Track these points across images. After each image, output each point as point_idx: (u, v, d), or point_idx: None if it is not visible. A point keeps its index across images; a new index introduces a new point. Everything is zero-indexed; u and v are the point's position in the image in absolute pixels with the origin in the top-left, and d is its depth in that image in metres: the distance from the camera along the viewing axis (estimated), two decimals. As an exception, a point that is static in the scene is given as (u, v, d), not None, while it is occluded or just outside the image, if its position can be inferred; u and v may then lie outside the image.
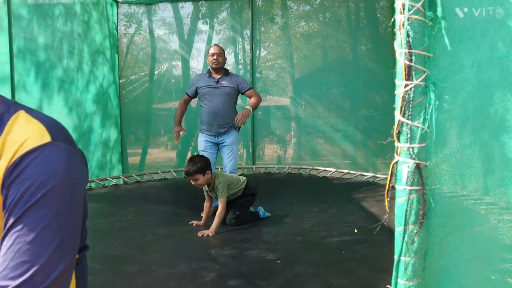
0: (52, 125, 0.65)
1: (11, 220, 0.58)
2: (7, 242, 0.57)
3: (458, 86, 0.56)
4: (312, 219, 2.71)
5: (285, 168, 4.77)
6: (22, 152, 0.59)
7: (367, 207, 2.97)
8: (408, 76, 0.55)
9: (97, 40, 4.53)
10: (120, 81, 5.18)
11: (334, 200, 3.30)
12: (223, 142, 3.26)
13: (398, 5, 0.55)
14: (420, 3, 0.54)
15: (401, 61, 0.55)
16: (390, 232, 2.12)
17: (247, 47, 5.46)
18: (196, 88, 3.25)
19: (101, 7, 4.67)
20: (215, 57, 3.17)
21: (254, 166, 5.07)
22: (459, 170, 0.59)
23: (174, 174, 4.52)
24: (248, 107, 3.24)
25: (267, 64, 5.91)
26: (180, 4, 5.61)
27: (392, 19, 0.57)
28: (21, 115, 0.65)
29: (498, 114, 0.57)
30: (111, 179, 3.95)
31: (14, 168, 0.58)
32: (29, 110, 0.68)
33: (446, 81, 0.56)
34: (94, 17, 4.49)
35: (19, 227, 0.57)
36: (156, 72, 5.56)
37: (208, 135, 3.24)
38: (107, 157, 4.75)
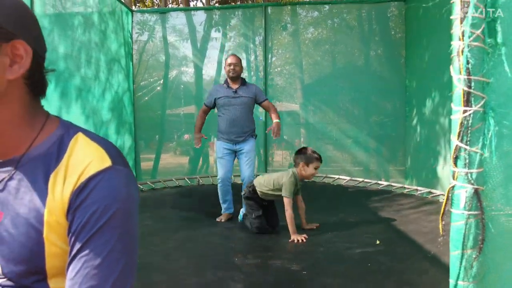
0: (109, 148, 0.67)
1: (78, 245, 0.59)
2: (75, 266, 0.59)
3: (516, 111, 0.56)
4: (332, 229, 2.71)
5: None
6: (86, 177, 0.60)
7: (386, 217, 2.96)
8: (467, 102, 0.55)
9: (112, 48, 4.61)
10: (133, 86, 5.25)
11: (352, 209, 3.30)
12: (241, 150, 3.30)
13: (456, 32, 0.56)
14: (480, 30, 0.55)
15: (460, 87, 0.56)
16: (411, 243, 2.10)
17: (259, 53, 5.49)
18: (215, 98, 3.31)
19: (117, 16, 4.75)
20: (232, 67, 3.26)
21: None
22: (515, 194, 0.59)
23: (188, 181, 4.55)
24: (277, 120, 3.30)
25: (276, 70, 5.93)
26: (192, 12, 5.68)
27: (451, 46, 0.57)
28: (80, 137, 0.67)
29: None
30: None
31: (79, 192, 0.60)
32: (86, 132, 0.69)
33: (505, 107, 0.56)
34: (110, 26, 4.57)
35: (87, 251, 0.58)
36: (169, 78, 5.62)
37: (227, 142, 3.29)
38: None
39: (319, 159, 2.72)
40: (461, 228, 0.56)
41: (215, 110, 3.46)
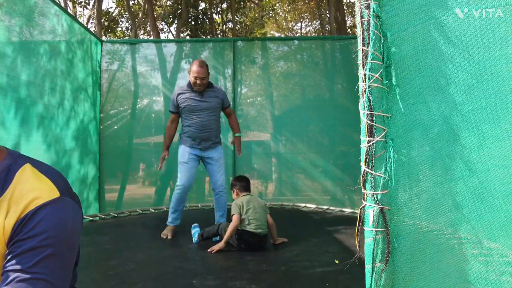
0: (57, 178, 0.70)
1: (22, 267, 0.60)
2: (14, 285, 0.59)
3: (412, 141, 0.67)
4: (295, 249, 2.75)
5: (267, 204, 4.81)
6: (35, 207, 0.62)
7: (347, 239, 3.05)
8: (370, 134, 0.65)
9: (79, 77, 4.59)
10: (101, 115, 5.20)
11: (315, 232, 3.38)
12: (211, 157, 3.13)
13: (360, 75, 0.66)
14: (378, 73, 0.66)
15: (364, 121, 0.65)
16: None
17: (229, 85, 5.65)
18: (179, 102, 3.07)
19: (85, 45, 4.78)
20: (198, 81, 2.97)
21: (234, 202, 5.08)
22: (418, 212, 0.68)
23: (153, 211, 4.46)
24: (238, 134, 3.25)
25: (248, 101, 6.11)
26: (163, 44, 5.82)
27: (356, 85, 0.68)
28: (28, 168, 0.69)
29: (445, 164, 0.67)
30: (87, 217, 3.85)
31: (27, 221, 0.61)
32: (34, 163, 0.72)
33: (402, 137, 0.66)
34: (78, 55, 4.58)
35: (30, 275, 0.60)
36: (137, 107, 5.63)
37: (194, 148, 3.09)
38: (84, 195, 4.64)
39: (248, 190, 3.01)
40: (371, 244, 0.64)
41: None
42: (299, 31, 14.50)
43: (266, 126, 5.91)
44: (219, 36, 8.33)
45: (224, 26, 8.44)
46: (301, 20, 14.14)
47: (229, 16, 7.93)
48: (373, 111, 0.65)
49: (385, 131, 0.66)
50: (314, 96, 5.88)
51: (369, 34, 0.64)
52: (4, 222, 0.62)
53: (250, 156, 5.84)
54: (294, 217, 4.14)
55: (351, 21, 13.17)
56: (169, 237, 3.03)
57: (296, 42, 6.38)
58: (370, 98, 0.65)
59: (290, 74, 6.09)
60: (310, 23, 14.42)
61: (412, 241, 0.68)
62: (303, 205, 4.72)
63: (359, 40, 0.66)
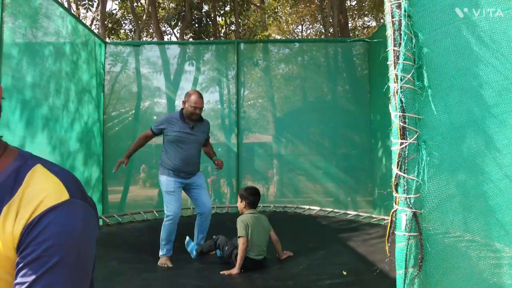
0: (68, 180, 0.65)
1: (27, 281, 0.56)
2: None
3: (444, 143, 0.65)
4: (302, 262, 2.72)
5: (270, 206, 4.79)
6: (41, 211, 0.58)
7: (353, 247, 3.02)
8: (403, 136, 0.63)
9: (84, 79, 4.58)
10: (104, 116, 5.19)
11: (321, 240, 3.34)
12: (194, 183, 3.14)
13: (392, 75, 0.65)
14: (410, 74, 0.64)
15: (396, 123, 0.64)
16: (378, 272, 2.14)
17: (231, 87, 5.64)
18: (167, 130, 3.06)
19: (89, 47, 4.78)
20: (197, 111, 3.01)
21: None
22: (450, 216, 0.66)
23: (156, 214, 4.44)
24: (216, 157, 3.34)
25: (249, 103, 6.10)
26: (166, 46, 5.82)
27: (386, 85, 0.66)
28: (39, 169, 0.65)
29: (478, 167, 0.66)
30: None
31: (33, 227, 0.57)
32: (45, 164, 0.67)
33: (434, 139, 0.65)
34: (83, 57, 4.57)
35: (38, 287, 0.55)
36: (140, 109, 5.62)
37: (178, 178, 3.07)
38: (88, 196, 4.62)
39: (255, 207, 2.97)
40: (403, 249, 0.63)
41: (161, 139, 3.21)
42: (300, 34, 14.52)
43: (268, 128, 5.90)
44: (222, 38, 8.34)
45: (227, 29, 8.46)
46: (302, 23, 14.17)
47: (232, 18, 7.94)
48: (405, 113, 0.64)
49: (418, 133, 0.65)
50: (315, 98, 5.87)
51: (400, 34, 0.63)
52: (13, 227, 0.58)
53: (252, 158, 5.82)
54: (298, 223, 4.09)
55: (353, 24, 13.20)
56: (169, 265, 2.93)
57: (297, 44, 6.38)
58: (403, 99, 0.63)
59: (291, 76, 6.09)
60: (311, 26, 14.44)
61: (443, 246, 0.66)
62: (306, 207, 4.70)
63: (390, 41, 0.65)
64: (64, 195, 0.61)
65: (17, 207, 0.59)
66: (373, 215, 4.40)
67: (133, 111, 5.57)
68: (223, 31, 8.51)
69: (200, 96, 3.04)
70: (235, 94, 5.50)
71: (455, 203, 0.67)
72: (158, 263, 2.95)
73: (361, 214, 4.43)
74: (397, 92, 0.64)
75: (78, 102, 4.38)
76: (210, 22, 7.56)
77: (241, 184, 5.42)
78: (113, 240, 3.41)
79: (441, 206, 0.66)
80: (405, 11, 0.63)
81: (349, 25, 11.45)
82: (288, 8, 11.55)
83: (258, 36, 6.97)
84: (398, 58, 0.64)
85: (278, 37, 13.68)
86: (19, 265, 0.57)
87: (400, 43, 0.63)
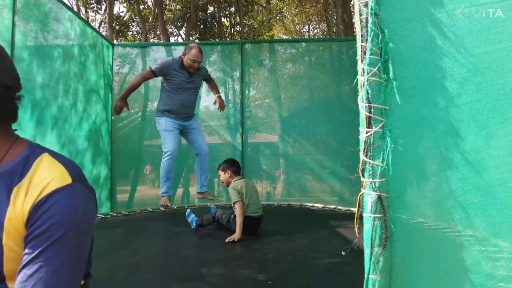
0: (71, 167, 0.75)
1: (33, 253, 0.65)
2: (27, 271, 0.65)
3: (410, 132, 0.70)
4: (301, 240, 2.78)
5: (274, 204, 4.85)
6: (47, 192, 0.68)
7: (353, 233, 3.08)
8: (369, 125, 0.68)
9: (92, 79, 4.71)
10: (112, 117, 5.31)
11: (322, 226, 3.42)
12: (190, 126, 3.42)
13: (359, 69, 0.70)
14: (376, 68, 0.69)
15: (363, 113, 0.69)
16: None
17: (237, 87, 5.71)
18: (167, 74, 3.28)
19: (97, 49, 4.90)
20: (196, 64, 3.25)
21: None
22: (415, 199, 0.71)
23: (163, 210, 4.52)
24: (218, 95, 3.61)
25: (256, 103, 6.15)
26: (173, 47, 5.92)
27: (355, 80, 0.71)
28: (46, 157, 0.75)
29: (442, 154, 0.70)
30: (99, 215, 3.94)
31: (41, 205, 0.67)
32: (52, 153, 0.77)
33: (400, 128, 0.70)
34: (91, 58, 4.70)
35: (43, 258, 0.65)
36: (147, 109, 5.72)
37: (176, 119, 3.34)
38: (96, 194, 4.74)
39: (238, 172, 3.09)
40: (369, 229, 0.68)
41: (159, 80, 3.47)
42: (306, 33, 14.52)
43: (274, 127, 5.94)
44: (227, 39, 8.42)
45: (232, 29, 8.53)
46: (309, 22, 14.17)
47: (237, 19, 8.01)
48: (371, 104, 0.69)
49: (383, 122, 0.70)
50: (321, 97, 5.89)
51: (367, 31, 0.68)
52: (23, 206, 0.67)
53: (258, 157, 5.88)
54: (301, 214, 4.17)
55: (360, 22, 13.11)
56: (169, 204, 3.22)
57: (303, 44, 6.41)
58: (369, 91, 0.69)
59: (297, 76, 6.12)
60: (317, 26, 14.43)
61: (409, 228, 0.71)
62: (310, 204, 4.74)
63: (358, 37, 0.70)
64: (67, 180, 0.70)
65: (26, 188, 0.68)
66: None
67: (141, 112, 5.68)
68: (228, 31, 8.59)
69: (200, 51, 3.29)
70: (240, 94, 5.56)
71: (420, 188, 0.71)
72: (160, 203, 3.22)
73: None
74: (363, 85, 0.69)
75: (86, 102, 4.51)
76: (215, 23, 7.65)
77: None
78: (119, 223, 3.59)
79: (406, 190, 0.71)
80: (371, 9, 0.68)
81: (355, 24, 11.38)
82: (294, 8, 11.58)
83: (263, 36, 7.02)
84: (365, 53, 0.69)
85: (285, 37, 13.71)
86: (28, 237, 0.66)
87: (367, 39, 0.68)
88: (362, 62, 0.70)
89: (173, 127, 3.30)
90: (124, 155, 5.42)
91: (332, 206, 4.63)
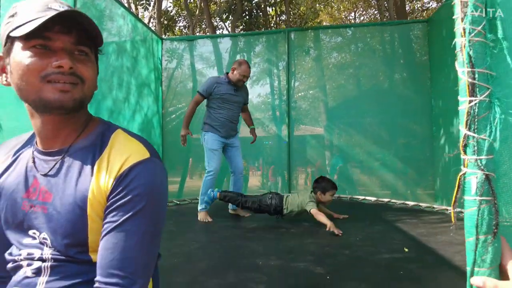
0: (145, 143, 0.78)
1: (117, 221, 0.68)
2: (111, 238, 0.67)
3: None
4: (358, 234, 2.67)
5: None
6: (128, 165, 0.70)
7: (413, 228, 2.90)
8: (472, 93, 0.58)
9: (143, 73, 4.88)
10: (162, 111, 5.49)
11: (379, 220, 3.26)
12: (232, 144, 3.49)
13: (458, 29, 0.60)
14: (481, 26, 0.59)
15: (464, 79, 0.59)
16: (441, 253, 2.03)
17: (282, 78, 5.62)
18: (215, 92, 3.40)
19: (148, 43, 5.07)
20: (245, 79, 3.41)
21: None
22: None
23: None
24: (252, 127, 3.68)
25: (300, 94, 6.02)
26: (219, 39, 5.96)
27: (453, 41, 0.61)
28: (120, 132, 0.78)
29: None
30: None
31: (124, 177, 0.69)
32: (124, 129, 0.81)
33: (510, 97, 0.59)
34: (142, 52, 4.87)
35: (127, 227, 0.67)
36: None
37: (221, 136, 3.42)
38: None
39: (335, 187, 3.14)
40: (474, 214, 0.58)
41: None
42: (352, 20, 13.95)
43: (319, 118, 5.78)
44: (273, 28, 8.31)
45: (278, 18, 8.40)
46: (355, 9, 13.59)
47: (283, 8, 7.87)
48: (474, 68, 0.58)
49: (490, 89, 0.59)
50: (371, 86, 5.61)
51: (469, -17, 0.58)
52: (106, 178, 0.70)
53: (304, 149, 5.76)
54: (353, 208, 4.01)
55: (410, 6, 12.33)
56: (209, 219, 3.26)
57: (349, 32, 6.11)
58: (471, 54, 0.58)
59: (344, 64, 5.88)
60: (364, 12, 13.79)
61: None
62: (361, 198, 4.55)
63: (457, -9, 0.60)
64: (146, 154, 0.73)
65: (107, 162, 0.72)
66: (434, 206, 4.13)
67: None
68: (274, 21, 8.48)
69: (249, 67, 3.46)
70: (285, 84, 5.47)
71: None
72: (198, 218, 3.28)
73: (421, 204, 4.19)
74: (463, 47, 0.59)
75: (138, 95, 4.68)
76: (261, 13, 7.57)
77: (292, 176, 5.40)
78: (171, 212, 3.73)
79: (517, 170, 0.60)
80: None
81: (406, 8, 10.73)
82: (340, -5, 11.15)
83: (309, 23, 6.82)
84: (466, 8, 0.59)
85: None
86: (110, 207, 0.69)
87: (469, -7, 0.58)
88: (462, 21, 0.59)
89: (218, 146, 3.40)
90: (174, 148, 5.59)
91: (385, 200, 4.41)
